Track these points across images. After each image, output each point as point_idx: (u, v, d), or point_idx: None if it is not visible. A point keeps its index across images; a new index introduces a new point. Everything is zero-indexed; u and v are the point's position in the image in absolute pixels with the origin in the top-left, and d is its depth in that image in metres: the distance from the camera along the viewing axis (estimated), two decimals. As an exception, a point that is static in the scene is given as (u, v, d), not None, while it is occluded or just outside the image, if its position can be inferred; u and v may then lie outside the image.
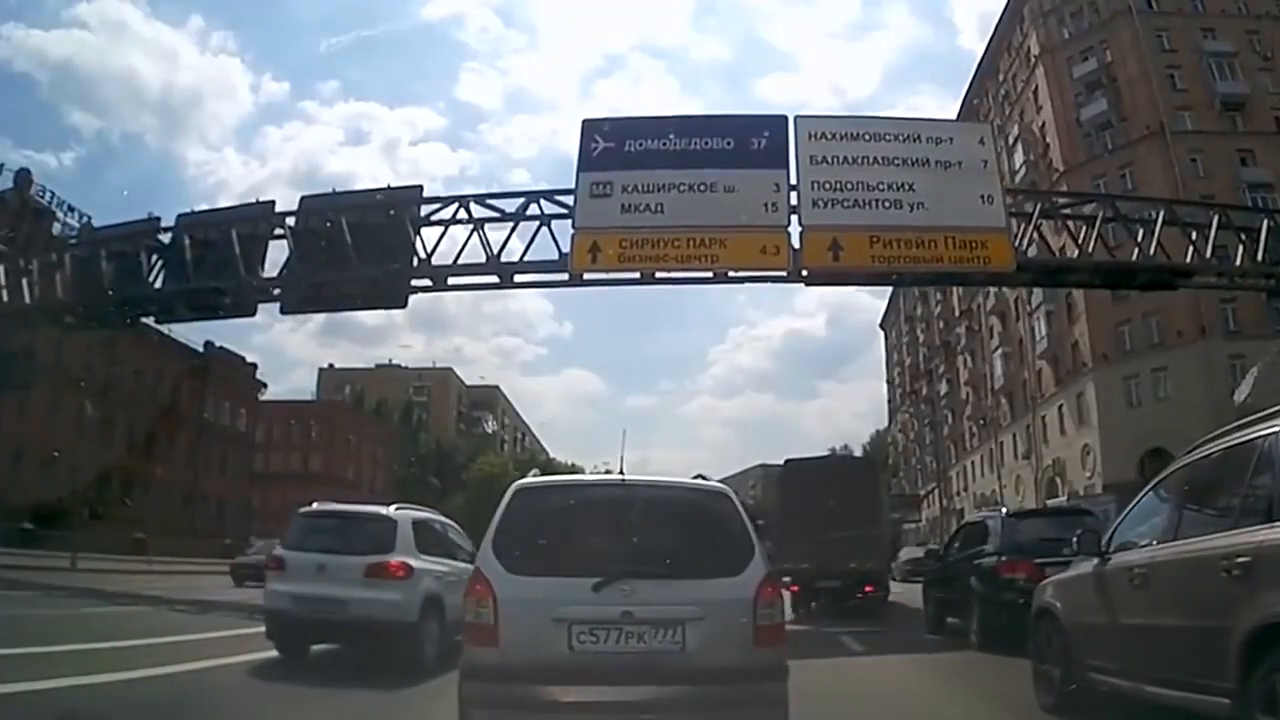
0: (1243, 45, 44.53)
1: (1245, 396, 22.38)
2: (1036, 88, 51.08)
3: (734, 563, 4.67)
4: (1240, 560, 4.26)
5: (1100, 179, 43.98)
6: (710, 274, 16.76)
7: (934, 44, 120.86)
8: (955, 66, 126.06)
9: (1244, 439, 4.85)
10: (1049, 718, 6.49)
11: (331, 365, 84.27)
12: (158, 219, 21.71)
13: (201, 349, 48.78)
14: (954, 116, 60.29)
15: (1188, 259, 18.06)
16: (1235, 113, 44.12)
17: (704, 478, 5.85)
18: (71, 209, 37.64)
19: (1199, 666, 4.52)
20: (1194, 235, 18.15)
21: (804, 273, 16.70)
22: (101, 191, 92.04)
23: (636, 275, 16.95)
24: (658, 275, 16.89)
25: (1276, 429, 4.54)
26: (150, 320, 23.35)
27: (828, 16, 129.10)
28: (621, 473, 5.16)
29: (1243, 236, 18.51)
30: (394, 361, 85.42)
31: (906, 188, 16.64)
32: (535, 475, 5.96)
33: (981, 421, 62.81)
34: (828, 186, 16.64)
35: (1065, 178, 45.99)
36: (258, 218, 20.25)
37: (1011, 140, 52.63)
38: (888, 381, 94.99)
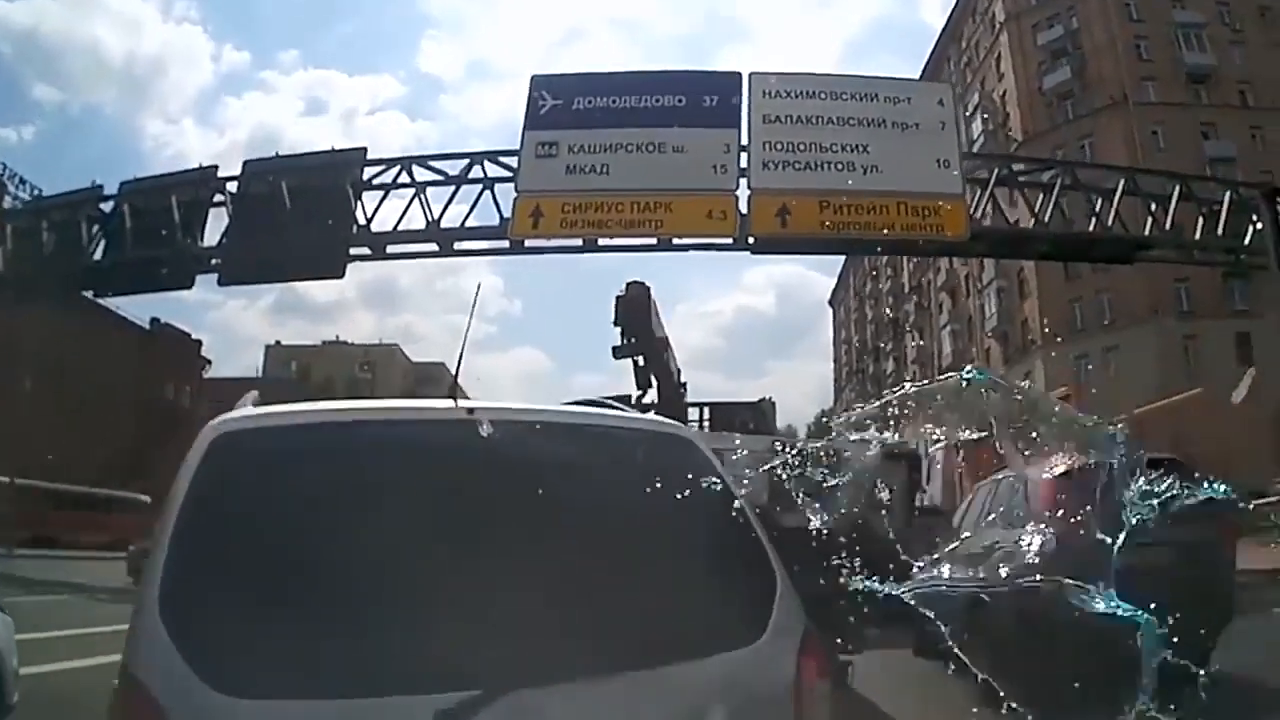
0: (1213, 17, 43.60)
1: (1241, 399, 22.37)
2: (999, 55, 50.09)
3: (743, 608, 2.20)
4: (973, 555, 6.20)
5: (1060, 149, 42.35)
6: (655, 240, 16.14)
7: (896, 16, 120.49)
8: (917, 38, 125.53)
9: (998, 478, 7.60)
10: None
11: (278, 342, 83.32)
12: (100, 187, 21.04)
13: (148, 325, 47.90)
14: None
15: (1146, 231, 17.54)
16: (1201, 85, 43.25)
17: (616, 404, 2.81)
18: (23, 181, 36.58)
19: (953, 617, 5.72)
20: (1153, 207, 17.60)
21: (751, 240, 16.08)
22: (61, 165, 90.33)
23: (579, 242, 16.31)
24: (601, 242, 16.25)
25: (1005, 477, 6.81)
26: (91, 294, 22.63)
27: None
28: (454, 392, 2.36)
29: (1204, 210, 17.96)
30: (341, 338, 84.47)
31: (861, 149, 16.04)
32: (253, 404, 2.50)
33: (929, 399, 62.53)
34: (779, 148, 16.03)
35: (1024, 147, 44.59)
36: (200, 183, 19.63)
37: (971, 108, 51.55)
38: (834, 360, 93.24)
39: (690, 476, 2.26)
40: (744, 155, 16.05)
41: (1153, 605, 6.60)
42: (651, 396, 17.33)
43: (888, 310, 70.52)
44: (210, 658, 1.81)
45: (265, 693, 1.80)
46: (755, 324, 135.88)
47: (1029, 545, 7.09)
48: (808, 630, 2.26)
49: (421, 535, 2.01)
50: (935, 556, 8.62)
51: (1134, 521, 7.46)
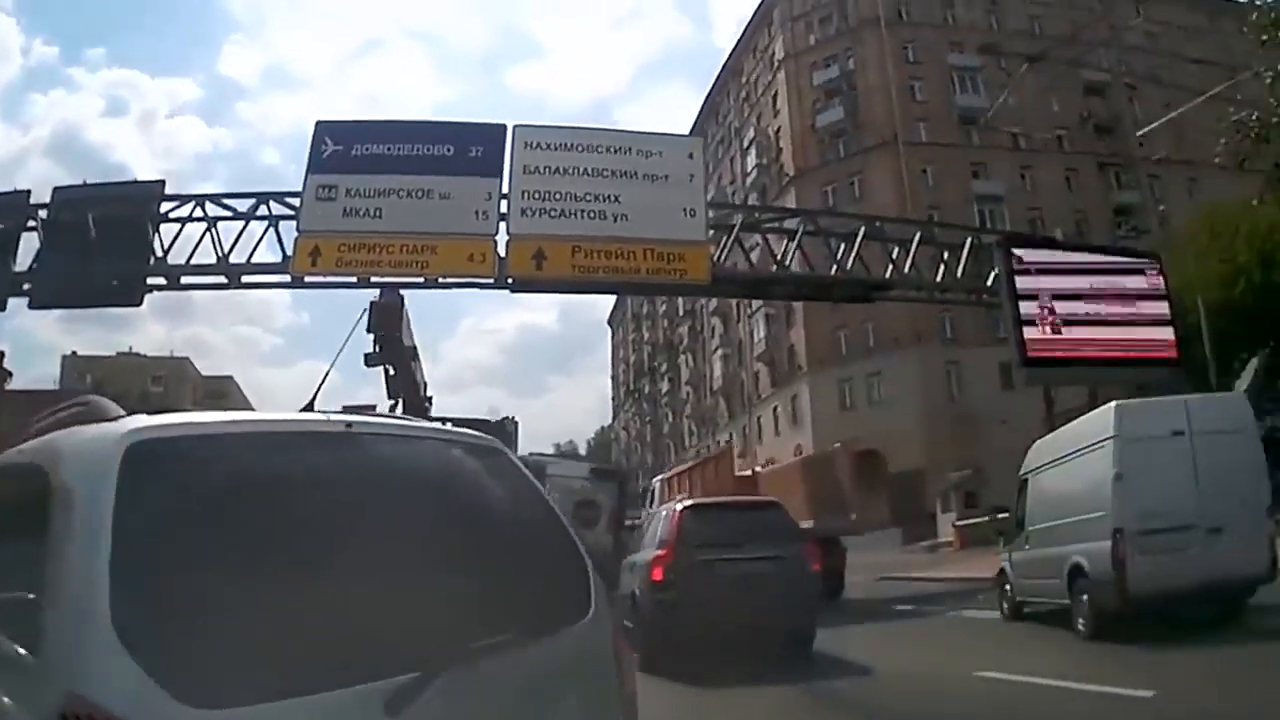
0: (989, 60, 44.96)
1: (1245, 388, 24.67)
2: (776, 92, 51.55)
3: (573, 590, 2.70)
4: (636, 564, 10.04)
5: (830, 186, 45.28)
6: (422, 279, 17.57)
7: (688, 39, 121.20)
8: (708, 61, 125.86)
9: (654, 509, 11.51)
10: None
11: (74, 353, 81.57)
12: (-83, 207, 21.56)
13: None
14: (696, 114, 62.12)
15: (887, 274, 19.50)
16: (972, 125, 44.28)
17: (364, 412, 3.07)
18: None
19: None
20: (895, 252, 19.57)
21: (509, 280, 17.61)
22: None
23: (354, 279, 17.66)
24: (373, 280, 17.59)
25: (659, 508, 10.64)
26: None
27: (589, 8, 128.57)
28: (312, 405, 2.69)
29: (945, 254, 19.99)
30: (134, 349, 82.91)
31: (612, 199, 17.66)
32: (109, 412, 2.43)
33: (700, 420, 63.60)
34: (537, 196, 17.56)
35: (795, 183, 46.90)
36: (14, 209, 20.32)
37: (746, 143, 53.70)
38: (613, 378, 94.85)
39: (516, 482, 2.78)
40: (505, 202, 17.55)
41: (756, 599, 9.32)
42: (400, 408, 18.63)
43: (663, 332, 71.83)
44: (175, 671, 1.79)
45: (237, 700, 1.82)
46: (537, 341, 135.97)
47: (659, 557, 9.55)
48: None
49: (332, 538, 2.20)
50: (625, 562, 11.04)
51: (736, 541, 9.89)
